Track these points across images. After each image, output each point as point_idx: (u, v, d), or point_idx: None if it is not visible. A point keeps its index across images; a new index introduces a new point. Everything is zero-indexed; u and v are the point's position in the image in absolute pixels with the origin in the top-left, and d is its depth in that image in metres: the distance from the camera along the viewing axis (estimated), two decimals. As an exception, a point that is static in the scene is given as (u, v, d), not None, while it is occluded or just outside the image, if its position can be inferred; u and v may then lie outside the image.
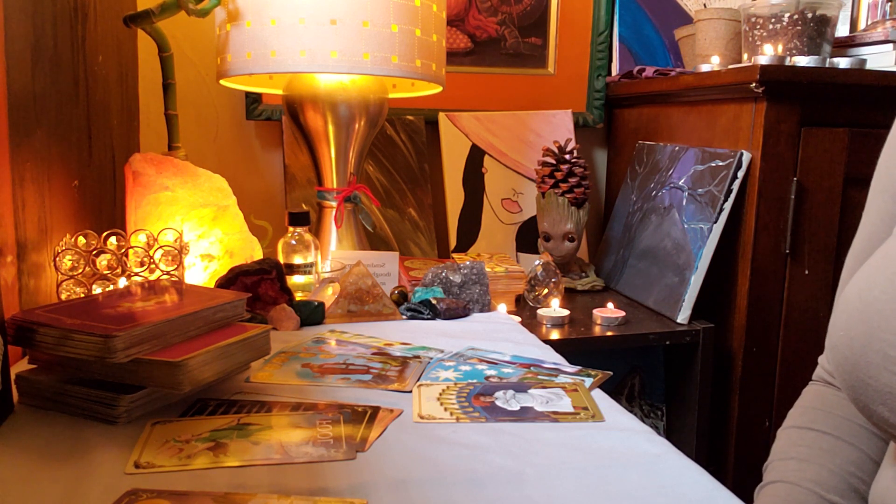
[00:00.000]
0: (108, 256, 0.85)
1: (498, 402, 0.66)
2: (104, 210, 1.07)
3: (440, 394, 0.68)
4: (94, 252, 0.84)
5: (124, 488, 0.49)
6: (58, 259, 0.81)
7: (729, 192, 1.19)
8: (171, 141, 1.15)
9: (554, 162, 1.38)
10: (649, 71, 1.49)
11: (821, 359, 0.73)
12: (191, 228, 0.97)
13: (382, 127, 1.48)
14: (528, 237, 1.55)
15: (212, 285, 0.93)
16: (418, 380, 0.72)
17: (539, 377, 0.74)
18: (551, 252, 1.40)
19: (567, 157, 1.38)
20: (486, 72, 1.58)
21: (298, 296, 0.98)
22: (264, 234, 1.26)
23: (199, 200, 0.97)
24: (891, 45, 1.30)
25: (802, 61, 1.18)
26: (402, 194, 1.50)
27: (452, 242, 1.52)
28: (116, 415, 0.60)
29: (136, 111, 1.35)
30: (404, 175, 1.51)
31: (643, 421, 1.01)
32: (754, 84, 1.13)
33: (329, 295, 0.97)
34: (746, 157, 1.18)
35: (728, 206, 1.19)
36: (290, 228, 1.01)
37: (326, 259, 1.10)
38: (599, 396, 0.69)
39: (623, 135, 1.64)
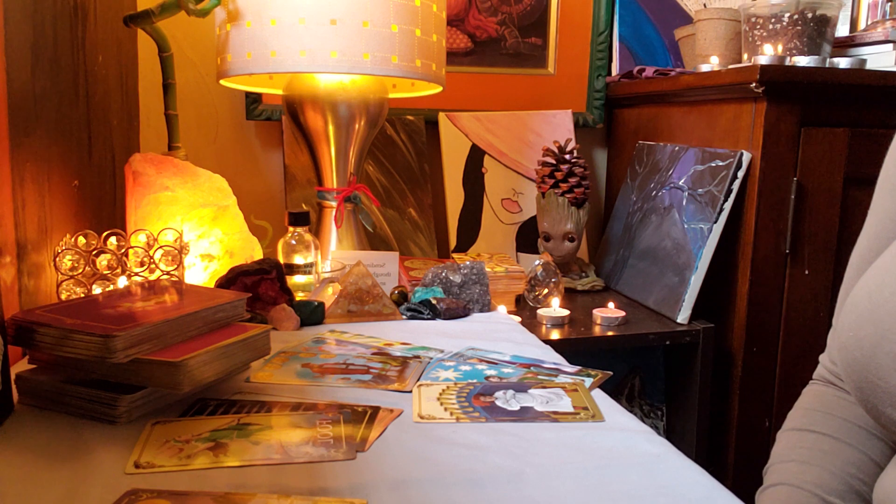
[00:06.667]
0: (108, 256, 0.85)
1: (498, 402, 0.66)
2: (104, 210, 1.07)
3: (440, 394, 0.68)
4: (94, 252, 0.84)
5: (124, 488, 0.49)
6: (58, 259, 0.81)
7: (729, 192, 1.19)
8: (171, 141, 1.15)
9: (554, 162, 1.38)
10: (649, 71, 1.49)
11: (822, 357, 0.73)
12: (191, 228, 0.97)
13: (382, 127, 1.48)
14: (528, 237, 1.55)
15: (212, 285, 0.93)
16: (418, 380, 0.72)
17: (539, 377, 0.74)
18: (551, 252, 1.40)
19: (567, 157, 1.38)
20: (486, 72, 1.58)
21: (298, 296, 0.98)
22: (264, 234, 1.26)
23: (199, 200, 0.97)
24: (891, 45, 1.30)
25: (802, 61, 1.18)
26: (402, 194, 1.50)
27: (452, 242, 1.52)
28: (116, 415, 0.60)
29: (136, 111, 1.34)
30: (404, 175, 1.51)
31: (643, 421, 1.01)
32: (754, 84, 1.13)
33: (329, 295, 0.97)
34: (746, 157, 1.18)
35: (728, 206, 1.19)
36: (290, 228, 1.01)
37: (326, 259, 1.10)
38: (599, 396, 0.69)
39: (623, 135, 1.64)
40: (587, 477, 0.53)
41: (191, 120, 1.44)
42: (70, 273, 0.82)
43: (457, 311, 0.97)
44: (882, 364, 0.49)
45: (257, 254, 1.03)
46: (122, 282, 0.85)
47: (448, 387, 0.70)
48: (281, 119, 1.46)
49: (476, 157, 1.55)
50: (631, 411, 1.03)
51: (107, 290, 0.83)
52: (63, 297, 0.82)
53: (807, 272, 1.20)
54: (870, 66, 1.22)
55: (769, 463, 0.69)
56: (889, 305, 0.49)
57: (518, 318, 1.03)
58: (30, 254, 0.78)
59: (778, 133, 1.17)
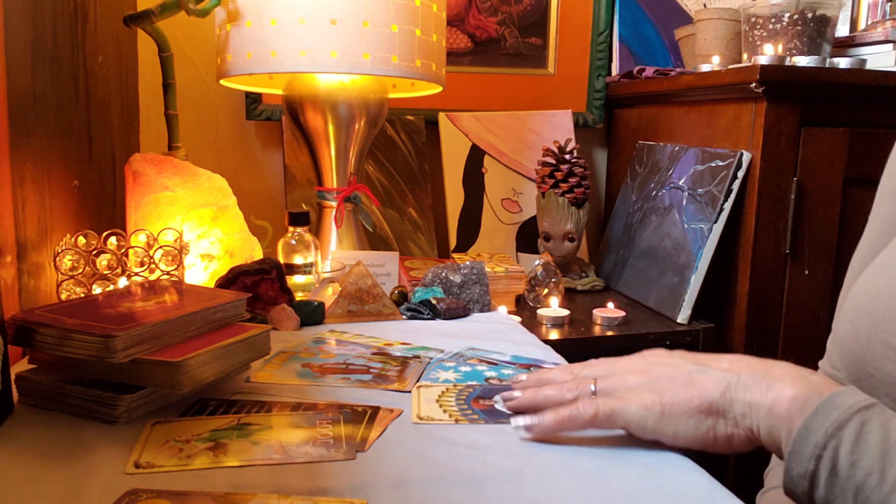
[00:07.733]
0: (108, 256, 0.85)
1: (497, 406, 0.66)
2: (104, 210, 1.07)
3: (439, 396, 0.68)
4: (94, 252, 0.84)
5: (124, 488, 0.49)
6: (58, 259, 0.81)
7: (729, 192, 1.19)
8: (171, 141, 1.15)
9: (554, 162, 1.38)
10: (649, 71, 1.49)
11: (821, 363, 0.73)
12: (191, 228, 0.97)
13: (382, 127, 1.48)
14: (528, 237, 1.55)
15: (212, 285, 0.93)
16: (418, 380, 0.72)
17: (539, 377, 0.73)
18: (551, 252, 1.40)
19: (567, 157, 1.38)
20: (486, 72, 1.58)
21: (298, 296, 0.98)
22: (264, 234, 1.26)
23: (199, 200, 0.97)
24: (891, 45, 1.30)
25: (802, 61, 1.18)
26: (402, 194, 1.50)
27: (452, 242, 1.52)
28: (116, 415, 0.60)
29: (136, 111, 1.35)
30: (404, 175, 1.51)
31: (643, 421, 1.01)
32: (754, 84, 1.13)
33: (329, 295, 0.97)
34: (746, 157, 1.18)
35: (728, 206, 1.19)
36: (290, 228, 1.01)
37: (326, 259, 1.10)
38: (599, 396, 0.69)
39: (623, 135, 1.63)
40: (587, 477, 0.53)
41: (191, 120, 1.44)
42: (70, 273, 0.82)
43: (457, 311, 0.97)
44: (877, 353, 0.49)
45: (257, 254, 1.02)
46: (122, 282, 0.85)
47: (447, 388, 0.70)
48: (281, 119, 1.46)
49: (476, 157, 1.55)
50: (631, 411, 1.03)
51: (107, 290, 0.83)
52: (63, 297, 0.82)
53: (807, 272, 1.20)
54: (870, 66, 1.22)
55: (769, 466, 0.69)
56: (884, 298, 0.50)
57: (518, 318, 1.02)
58: (30, 254, 0.78)
59: (778, 133, 1.17)
